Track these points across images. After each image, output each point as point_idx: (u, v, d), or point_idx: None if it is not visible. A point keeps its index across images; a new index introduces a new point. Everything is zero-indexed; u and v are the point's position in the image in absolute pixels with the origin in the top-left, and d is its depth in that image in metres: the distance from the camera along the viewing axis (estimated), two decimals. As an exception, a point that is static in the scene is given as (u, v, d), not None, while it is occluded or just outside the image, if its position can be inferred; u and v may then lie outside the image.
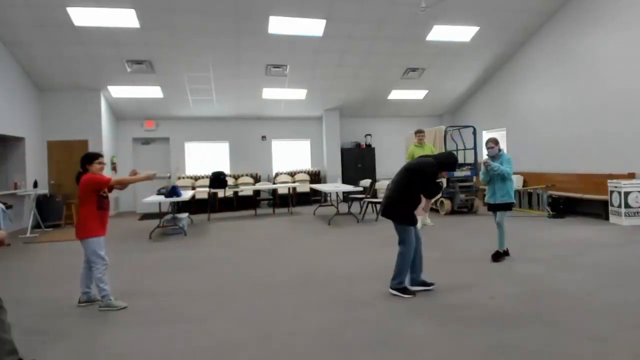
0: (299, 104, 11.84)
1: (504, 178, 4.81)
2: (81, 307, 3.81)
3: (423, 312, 3.40)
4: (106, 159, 10.28)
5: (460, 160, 10.21)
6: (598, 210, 7.77)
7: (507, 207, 4.90)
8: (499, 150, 4.96)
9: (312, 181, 12.12)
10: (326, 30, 8.61)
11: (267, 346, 2.88)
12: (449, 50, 9.90)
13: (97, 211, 3.75)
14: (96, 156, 3.85)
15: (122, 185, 4.09)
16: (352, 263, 5.13)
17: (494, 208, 4.92)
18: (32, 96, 9.32)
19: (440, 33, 9.12)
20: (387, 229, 7.48)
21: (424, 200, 4.16)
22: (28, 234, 7.99)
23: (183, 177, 11.42)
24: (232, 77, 10.05)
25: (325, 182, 12.29)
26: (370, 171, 12.34)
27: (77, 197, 3.78)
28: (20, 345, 2.67)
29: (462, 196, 9.04)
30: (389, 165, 12.84)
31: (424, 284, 3.92)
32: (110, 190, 3.93)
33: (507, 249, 5.02)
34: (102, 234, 3.80)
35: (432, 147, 7.71)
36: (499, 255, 4.90)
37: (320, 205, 10.49)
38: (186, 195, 7.98)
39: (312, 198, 11.79)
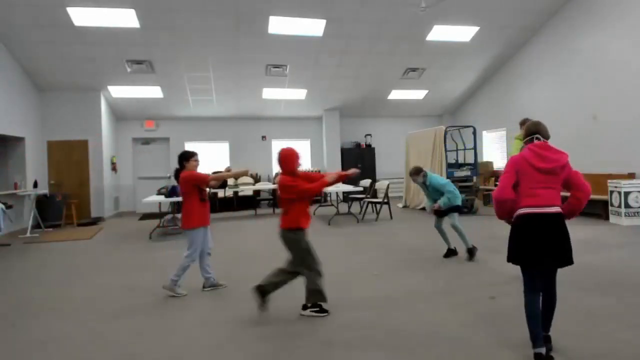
0: (299, 104, 11.84)
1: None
2: (205, 291, 4.14)
3: (423, 311, 3.40)
4: (106, 159, 10.34)
5: (460, 160, 10.24)
6: (598, 210, 7.77)
7: (456, 209, 5.13)
8: (424, 176, 5.12)
9: (312, 181, 12.10)
10: (326, 30, 8.61)
11: (267, 346, 2.88)
12: (449, 50, 9.90)
13: (199, 203, 4.04)
14: (192, 154, 4.18)
15: (218, 180, 4.29)
16: (353, 263, 5.13)
17: (441, 213, 5.14)
18: (32, 96, 9.32)
19: (440, 33, 9.13)
20: (387, 229, 7.53)
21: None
22: (28, 234, 7.98)
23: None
24: (232, 77, 10.05)
25: (325, 182, 12.26)
26: (370, 171, 12.34)
27: (180, 192, 4.15)
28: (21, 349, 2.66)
29: (462, 196, 9.01)
30: (389, 165, 12.88)
31: None
32: (208, 186, 4.19)
33: (455, 248, 5.23)
34: (207, 224, 4.13)
35: None
36: (472, 253, 5.04)
37: (320, 205, 10.49)
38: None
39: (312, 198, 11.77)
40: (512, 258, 2.60)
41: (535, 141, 2.70)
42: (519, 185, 2.59)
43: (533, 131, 2.74)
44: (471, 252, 5.02)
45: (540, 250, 2.48)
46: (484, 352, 2.66)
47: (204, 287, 4.18)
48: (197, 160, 4.17)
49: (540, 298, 2.60)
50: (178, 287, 4.00)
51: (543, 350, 2.47)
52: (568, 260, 2.55)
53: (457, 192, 5.13)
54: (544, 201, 2.52)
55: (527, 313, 2.55)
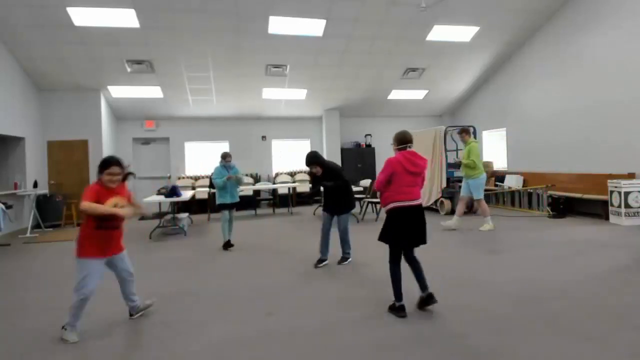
0: (299, 104, 11.84)
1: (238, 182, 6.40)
2: (134, 318, 3.49)
3: (421, 313, 3.40)
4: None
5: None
6: (598, 210, 7.77)
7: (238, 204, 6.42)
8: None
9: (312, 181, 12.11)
10: (326, 30, 8.61)
11: (267, 346, 2.88)
12: (449, 50, 9.90)
13: (94, 230, 3.17)
14: (107, 164, 3.19)
15: (93, 214, 3.14)
16: (352, 263, 5.12)
17: (232, 207, 6.35)
18: (32, 96, 9.32)
19: (440, 33, 9.12)
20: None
21: None
22: (28, 234, 7.99)
23: (183, 177, 11.42)
24: (232, 77, 10.05)
25: (325, 182, 12.27)
26: (370, 171, 12.34)
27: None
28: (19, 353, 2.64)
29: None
30: (389, 165, 12.86)
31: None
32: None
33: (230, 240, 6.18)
34: (108, 255, 3.25)
35: None
36: (228, 245, 6.15)
37: (320, 205, 10.49)
38: (186, 195, 7.97)
39: (312, 198, 11.80)
40: (385, 239, 3.40)
41: (408, 149, 3.47)
42: (392, 183, 3.38)
43: (409, 140, 3.50)
44: (228, 245, 6.16)
45: (409, 233, 3.35)
46: (481, 350, 2.66)
47: (130, 315, 3.50)
48: (112, 174, 3.18)
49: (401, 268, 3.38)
50: (73, 332, 3.08)
51: (403, 302, 3.33)
52: (424, 241, 3.42)
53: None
54: (411, 196, 3.37)
55: (393, 278, 3.35)
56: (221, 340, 3.00)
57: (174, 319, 3.45)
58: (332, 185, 5.11)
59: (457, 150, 10.15)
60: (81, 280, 3.08)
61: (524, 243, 5.85)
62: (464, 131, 7.41)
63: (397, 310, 3.33)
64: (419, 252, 3.50)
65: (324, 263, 5.07)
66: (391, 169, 3.39)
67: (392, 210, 3.39)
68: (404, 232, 3.33)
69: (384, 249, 3.47)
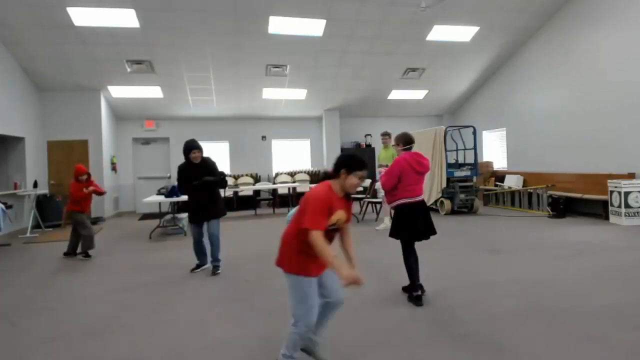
0: (299, 104, 11.83)
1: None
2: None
3: (421, 313, 3.40)
4: (106, 159, 10.33)
5: (460, 160, 10.25)
6: (598, 210, 7.77)
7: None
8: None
9: (312, 181, 12.11)
10: (326, 30, 8.61)
11: (266, 347, 2.88)
12: (449, 50, 9.89)
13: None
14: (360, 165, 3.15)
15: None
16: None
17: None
18: (32, 96, 9.32)
19: (440, 33, 9.12)
20: (387, 229, 7.51)
21: None
22: (28, 234, 7.98)
23: (183, 177, 11.41)
24: (232, 77, 10.05)
25: (325, 182, 12.27)
26: (370, 171, 12.30)
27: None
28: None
29: (462, 196, 9.04)
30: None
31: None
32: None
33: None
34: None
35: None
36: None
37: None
38: (186, 195, 7.95)
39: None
40: (395, 234, 3.78)
41: (413, 150, 3.84)
42: (400, 181, 3.68)
43: (412, 141, 3.89)
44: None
45: (416, 227, 3.67)
46: (481, 350, 2.66)
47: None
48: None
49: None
50: None
51: (419, 292, 3.59)
52: (434, 231, 3.75)
53: None
54: (416, 193, 3.71)
55: (409, 270, 3.64)
56: (220, 340, 3.00)
57: (173, 319, 3.45)
58: (214, 181, 4.88)
59: (457, 150, 10.16)
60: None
61: (524, 243, 5.85)
62: (387, 135, 7.85)
63: (415, 299, 3.54)
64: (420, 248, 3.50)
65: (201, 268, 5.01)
66: (398, 168, 3.67)
67: (400, 206, 3.72)
68: (415, 225, 3.65)
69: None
